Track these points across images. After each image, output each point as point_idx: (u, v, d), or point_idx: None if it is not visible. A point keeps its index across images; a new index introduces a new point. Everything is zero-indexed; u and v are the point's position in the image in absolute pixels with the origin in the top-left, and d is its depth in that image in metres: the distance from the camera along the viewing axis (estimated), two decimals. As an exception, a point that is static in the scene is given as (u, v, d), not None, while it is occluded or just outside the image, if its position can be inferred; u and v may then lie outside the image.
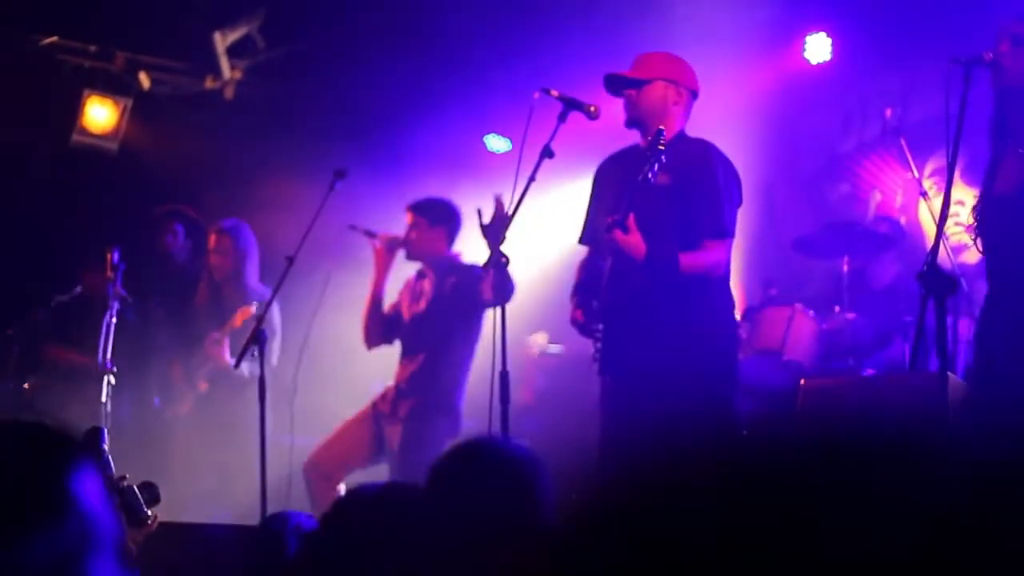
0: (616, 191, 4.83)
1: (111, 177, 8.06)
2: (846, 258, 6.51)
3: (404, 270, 6.48)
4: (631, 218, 4.61)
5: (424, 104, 7.75)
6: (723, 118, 6.23)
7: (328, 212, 5.76)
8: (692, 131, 5.02)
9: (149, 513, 3.05)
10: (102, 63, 8.09)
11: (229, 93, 8.13)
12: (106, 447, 3.11)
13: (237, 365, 5.73)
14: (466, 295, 6.06)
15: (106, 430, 3.17)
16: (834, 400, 4.98)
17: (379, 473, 6.14)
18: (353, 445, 6.21)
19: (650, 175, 4.58)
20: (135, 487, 3.08)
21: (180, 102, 8.24)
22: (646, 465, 0.96)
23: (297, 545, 2.97)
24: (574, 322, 4.97)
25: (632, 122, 4.95)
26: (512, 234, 4.94)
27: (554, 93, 5.00)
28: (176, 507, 4.15)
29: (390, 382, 6.35)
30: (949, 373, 4.15)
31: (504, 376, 4.73)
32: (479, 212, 5.10)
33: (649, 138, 4.73)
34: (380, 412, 6.23)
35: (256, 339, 5.42)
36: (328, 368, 6.51)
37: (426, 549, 2.37)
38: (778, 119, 7.65)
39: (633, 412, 4.70)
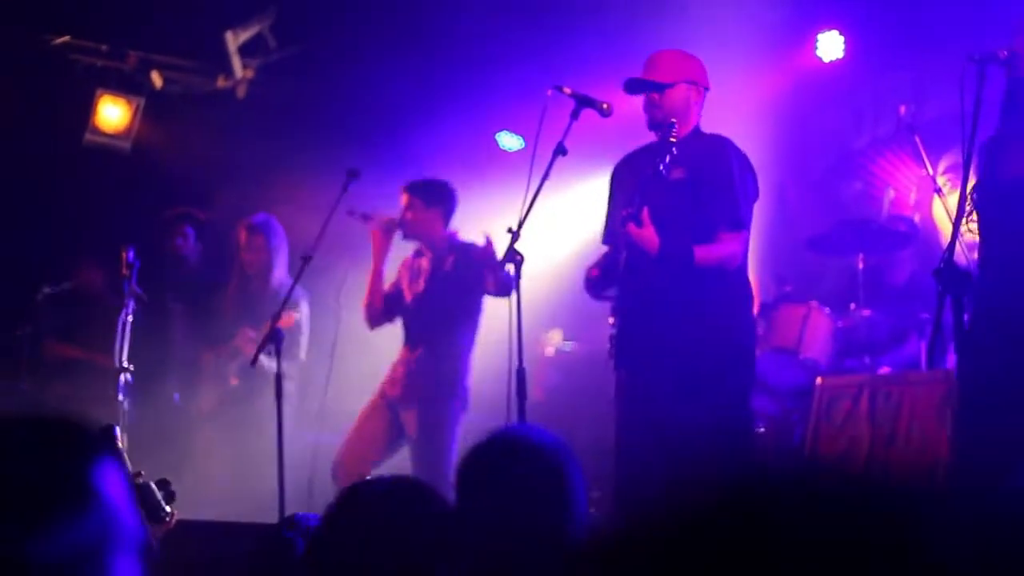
0: (632, 188, 4.83)
1: (123, 176, 8.08)
2: (861, 255, 6.49)
3: (402, 251, 6.49)
4: (645, 211, 4.61)
5: (437, 102, 7.76)
6: (736, 116, 6.22)
7: (341, 211, 5.79)
8: (706, 129, 5.01)
9: (168, 510, 3.05)
10: (114, 62, 8.11)
11: (241, 92, 8.14)
12: (120, 445, 3.11)
13: (254, 362, 5.76)
14: (466, 273, 6.10)
15: (119, 428, 3.17)
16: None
17: (400, 464, 6.17)
18: (372, 438, 6.23)
19: (662, 168, 4.58)
20: (152, 484, 3.08)
21: (192, 101, 8.25)
22: (660, 504, 0.97)
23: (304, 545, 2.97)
24: (588, 280, 4.98)
25: (655, 124, 4.92)
26: (526, 232, 4.93)
27: (567, 91, 5.00)
28: (194, 504, 4.15)
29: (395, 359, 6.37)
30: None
31: (520, 373, 4.75)
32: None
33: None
34: (391, 398, 6.24)
35: (273, 337, 5.47)
36: (352, 366, 6.52)
37: (445, 546, 2.36)
38: (791, 117, 7.63)
39: (649, 406, 4.70)
